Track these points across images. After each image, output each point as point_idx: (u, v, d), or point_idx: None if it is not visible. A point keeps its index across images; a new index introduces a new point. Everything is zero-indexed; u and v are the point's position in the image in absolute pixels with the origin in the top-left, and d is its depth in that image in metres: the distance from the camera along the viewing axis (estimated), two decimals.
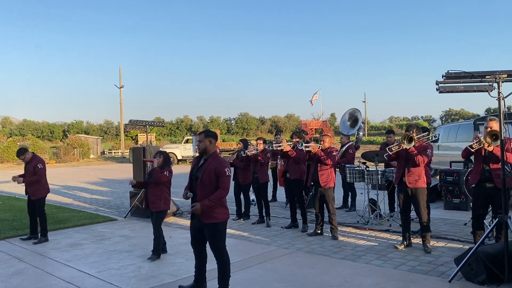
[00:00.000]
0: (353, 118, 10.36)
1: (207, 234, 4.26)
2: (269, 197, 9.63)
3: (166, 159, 6.17)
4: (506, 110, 4.53)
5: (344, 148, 9.18)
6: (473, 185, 5.50)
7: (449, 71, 4.45)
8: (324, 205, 6.96)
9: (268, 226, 7.81)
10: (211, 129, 5.16)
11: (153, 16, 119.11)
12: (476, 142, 5.22)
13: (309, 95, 55.24)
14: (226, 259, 4.27)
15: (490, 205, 5.53)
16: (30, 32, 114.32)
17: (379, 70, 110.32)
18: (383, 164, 8.26)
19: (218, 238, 4.24)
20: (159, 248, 5.91)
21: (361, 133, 10.40)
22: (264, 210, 8.08)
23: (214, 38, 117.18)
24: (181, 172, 21.50)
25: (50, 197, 11.88)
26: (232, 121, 77.11)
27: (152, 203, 5.97)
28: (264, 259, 5.75)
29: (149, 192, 6.03)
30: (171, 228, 7.95)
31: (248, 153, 7.96)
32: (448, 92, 4.54)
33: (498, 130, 4.83)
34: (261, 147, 8.04)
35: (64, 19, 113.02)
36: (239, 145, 8.73)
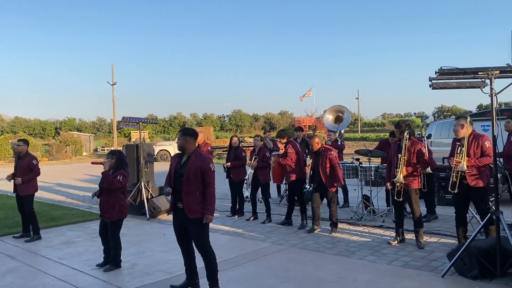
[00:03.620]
0: (337, 115, 10.41)
1: (191, 229, 4.28)
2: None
3: (120, 160, 5.39)
4: (498, 106, 4.56)
5: (338, 143, 9.27)
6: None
7: (442, 67, 4.47)
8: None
9: (264, 222, 7.81)
10: (190, 127, 5.14)
11: (145, 12, 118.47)
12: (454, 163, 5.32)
13: (303, 92, 55.18)
14: (211, 254, 4.31)
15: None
16: (21, 29, 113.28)
17: (372, 67, 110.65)
18: (379, 160, 8.31)
19: (202, 232, 4.27)
20: (118, 258, 5.35)
21: (342, 131, 10.49)
22: (265, 209, 8.06)
23: (207, 35, 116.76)
24: None
25: (42, 194, 11.86)
26: (226, 118, 76.99)
27: (104, 212, 5.30)
28: (259, 255, 5.76)
29: (101, 200, 5.35)
30: (165, 225, 7.93)
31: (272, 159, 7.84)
32: (441, 88, 4.55)
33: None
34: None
35: (56, 15, 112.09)
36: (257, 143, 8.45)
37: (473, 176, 5.19)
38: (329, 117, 10.54)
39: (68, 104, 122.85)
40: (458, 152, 5.23)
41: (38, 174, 7.03)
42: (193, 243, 4.44)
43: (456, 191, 5.24)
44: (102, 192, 5.35)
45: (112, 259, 5.34)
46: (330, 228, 6.90)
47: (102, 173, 5.30)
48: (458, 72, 4.46)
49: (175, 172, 4.40)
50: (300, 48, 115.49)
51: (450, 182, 5.31)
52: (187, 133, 4.41)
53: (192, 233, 4.30)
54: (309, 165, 7.51)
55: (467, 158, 5.15)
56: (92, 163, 5.44)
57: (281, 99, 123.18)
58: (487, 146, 5.14)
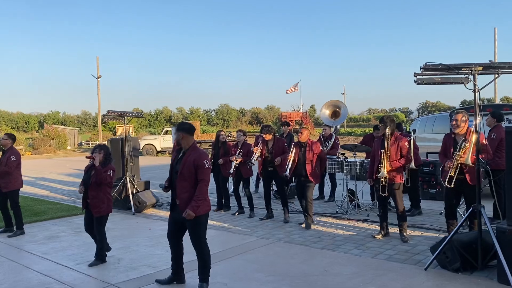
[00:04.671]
0: (334, 110, 10.41)
1: (188, 226, 4.24)
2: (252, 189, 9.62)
3: (107, 155, 5.43)
4: (481, 102, 4.63)
5: (333, 139, 9.30)
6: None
7: (427, 63, 4.52)
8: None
9: (250, 217, 7.83)
10: (187, 122, 5.09)
11: (131, 6, 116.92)
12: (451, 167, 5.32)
13: (289, 87, 55.24)
14: (206, 252, 4.28)
15: (462, 196, 5.69)
16: (2, 19, 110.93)
17: (358, 63, 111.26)
18: (364, 154, 8.38)
19: (200, 230, 4.23)
20: (103, 252, 5.34)
21: (338, 126, 10.50)
22: (248, 203, 8.07)
23: (192, 29, 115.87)
24: (160, 163, 21.36)
25: (26, 189, 11.68)
26: (213, 113, 76.78)
27: (94, 207, 5.27)
28: (245, 249, 5.78)
29: (90, 195, 5.30)
30: (151, 220, 7.90)
31: (253, 162, 7.69)
32: (426, 84, 4.61)
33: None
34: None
35: (40, 5, 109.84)
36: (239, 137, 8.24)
37: (472, 173, 5.27)
38: (326, 112, 10.50)
39: (52, 97, 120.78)
40: (462, 146, 5.23)
41: (8, 170, 6.72)
42: (183, 239, 4.44)
43: (452, 185, 5.28)
44: (91, 187, 5.29)
45: (97, 253, 5.32)
46: (304, 220, 6.95)
47: (95, 168, 5.28)
48: (443, 68, 4.51)
49: (172, 168, 4.38)
50: (286, 43, 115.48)
51: (448, 176, 5.27)
52: (181, 128, 4.33)
53: (189, 230, 4.26)
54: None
55: (473, 155, 5.16)
56: (87, 157, 5.44)
57: (268, 94, 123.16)
58: (485, 143, 5.25)
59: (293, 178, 7.24)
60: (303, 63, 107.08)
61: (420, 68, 4.58)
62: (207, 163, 4.19)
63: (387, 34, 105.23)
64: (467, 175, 5.26)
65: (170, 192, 4.45)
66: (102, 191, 5.30)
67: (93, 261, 5.27)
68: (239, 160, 7.91)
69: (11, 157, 6.82)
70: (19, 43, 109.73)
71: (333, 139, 9.35)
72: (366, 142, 8.46)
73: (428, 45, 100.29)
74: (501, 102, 36.79)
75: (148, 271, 4.98)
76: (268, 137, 7.49)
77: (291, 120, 48.32)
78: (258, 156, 7.53)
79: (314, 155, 6.86)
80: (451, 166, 5.22)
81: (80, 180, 5.55)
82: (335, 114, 10.44)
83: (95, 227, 5.34)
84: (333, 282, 4.48)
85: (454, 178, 5.25)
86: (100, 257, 5.30)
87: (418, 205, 7.70)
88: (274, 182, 8.07)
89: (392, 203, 6.89)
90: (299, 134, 7.11)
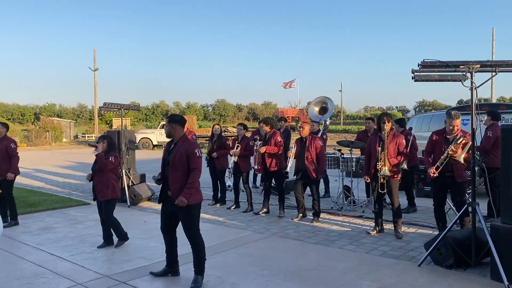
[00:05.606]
0: (322, 106, 10.44)
1: (181, 218, 4.26)
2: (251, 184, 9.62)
3: (111, 144, 5.76)
4: (477, 101, 4.64)
5: (319, 134, 9.28)
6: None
7: (425, 60, 4.52)
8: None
9: (246, 211, 7.82)
10: (178, 114, 5.10)
11: (129, 0, 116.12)
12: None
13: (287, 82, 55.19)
14: (200, 243, 4.29)
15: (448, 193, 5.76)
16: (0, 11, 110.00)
17: (355, 61, 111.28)
18: (359, 151, 8.39)
19: (192, 221, 4.24)
20: (122, 232, 5.66)
21: (328, 122, 10.51)
22: (247, 198, 8.06)
23: (192, 25, 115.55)
24: (156, 157, 21.30)
25: (21, 180, 11.63)
26: (209, 108, 76.70)
27: (99, 192, 5.58)
28: (239, 243, 5.79)
29: (94, 181, 5.63)
30: (146, 213, 7.90)
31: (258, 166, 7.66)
32: (423, 80, 4.61)
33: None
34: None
35: None
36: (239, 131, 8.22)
37: (461, 171, 5.34)
38: (315, 109, 10.54)
39: (48, 89, 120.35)
40: (459, 142, 5.25)
41: (17, 158, 6.88)
42: (176, 232, 4.45)
43: (436, 174, 5.33)
44: (95, 174, 5.60)
45: (117, 234, 5.66)
46: (312, 217, 6.96)
47: (96, 155, 5.60)
48: (440, 65, 4.51)
49: (163, 160, 4.38)
50: (285, 40, 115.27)
51: (435, 165, 5.34)
52: (173, 120, 4.35)
53: (182, 221, 4.27)
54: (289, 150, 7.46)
55: (466, 153, 5.20)
56: (89, 144, 5.98)
57: (265, 90, 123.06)
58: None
59: (296, 174, 7.21)
60: (301, 60, 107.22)
61: (418, 65, 4.57)
62: (198, 152, 4.23)
63: (386, 33, 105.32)
64: (457, 174, 5.30)
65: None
66: (105, 177, 5.56)
67: (117, 242, 5.64)
68: (238, 151, 7.90)
69: (11, 145, 6.81)
70: (15, 35, 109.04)
71: (319, 134, 9.31)
72: (360, 139, 8.47)
73: (426, 44, 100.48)
74: (497, 102, 36.87)
75: (143, 263, 4.98)
76: (266, 128, 7.49)
77: (287, 117, 48.33)
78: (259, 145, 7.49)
79: (314, 149, 6.86)
80: (433, 173, 5.33)
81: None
82: (323, 110, 10.49)
83: (104, 215, 5.59)
84: (327, 276, 4.49)
85: (440, 169, 5.29)
86: (122, 236, 5.66)
87: (413, 203, 7.74)
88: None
89: (388, 200, 6.92)
90: (301, 129, 7.10)
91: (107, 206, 5.58)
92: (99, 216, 5.74)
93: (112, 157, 5.60)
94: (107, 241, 5.67)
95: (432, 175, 5.35)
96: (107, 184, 5.56)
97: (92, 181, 5.69)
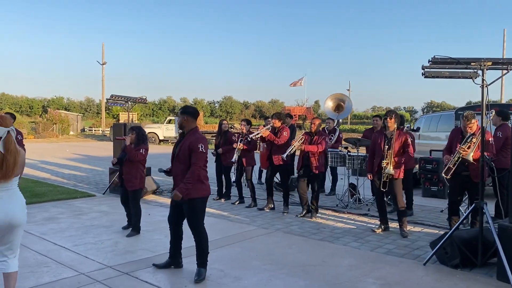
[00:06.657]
0: (338, 103, 10.33)
1: (185, 210, 4.24)
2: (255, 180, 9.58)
3: (140, 135, 5.94)
4: (488, 102, 4.56)
5: (337, 133, 9.24)
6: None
7: (435, 56, 4.46)
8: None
9: (250, 207, 7.79)
10: (191, 106, 5.09)
11: None
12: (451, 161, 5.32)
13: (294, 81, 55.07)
14: (204, 236, 4.27)
15: (466, 193, 5.68)
16: (9, 4, 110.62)
17: (364, 60, 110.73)
18: (365, 149, 8.32)
19: (196, 214, 4.22)
20: (138, 224, 5.85)
21: (340, 119, 10.44)
22: (250, 194, 8.03)
23: (199, 20, 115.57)
24: (163, 152, 21.35)
25: (27, 171, 11.68)
26: (216, 104, 76.75)
27: (127, 181, 5.84)
28: (243, 238, 5.76)
29: (124, 171, 5.89)
30: (151, 206, 7.89)
31: (253, 137, 7.66)
32: (433, 77, 4.55)
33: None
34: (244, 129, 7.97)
35: None
36: (242, 126, 8.20)
37: (477, 171, 5.25)
38: (330, 104, 10.40)
39: (56, 82, 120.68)
40: (468, 140, 5.18)
41: (24, 150, 6.87)
42: (182, 224, 4.44)
43: (448, 176, 5.25)
44: (125, 164, 5.87)
45: (133, 225, 5.84)
46: (310, 213, 6.93)
47: (126, 147, 5.88)
48: (451, 61, 4.44)
49: (172, 153, 4.37)
50: (293, 38, 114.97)
51: (446, 167, 5.28)
52: (186, 111, 4.32)
53: (186, 214, 4.26)
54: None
55: (474, 152, 5.13)
56: (117, 138, 6.38)
57: (272, 88, 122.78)
58: (490, 142, 5.24)
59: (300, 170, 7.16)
60: (309, 58, 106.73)
61: (429, 61, 4.51)
62: (201, 147, 4.14)
63: (395, 32, 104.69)
64: (471, 172, 5.23)
65: (172, 178, 4.44)
66: (135, 167, 5.83)
67: (130, 232, 5.78)
68: (240, 146, 7.86)
69: (18, 137, 6.81)
70: (24, 28, 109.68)
71: (337, 133, 9.28)
72: (366, 137, 8.40)
73: (436, 44, 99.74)
74: (507, 102, 36.51)
75: (146, 255, 4.97)
76: (277, 123, 7.41)
77: (294, 115, 48.30)
78: (259, 135, 7.41)
79: (319, 147, 6.81)
80: (451, 159, 5.21)
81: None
82: (338, 108, 10.37)
83: (131, 202, 5.86)
84: (331, 273, 4.46)
85: (452, 170, 5.23)
86: (136, 228, 5.82)
87: (410, 206, 7.58)
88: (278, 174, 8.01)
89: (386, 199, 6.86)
90: (312, 124, 7.04)
91: (134, 195, 5.85)
92: (121, 203, 6.11)
93: (142, 149, 5.86)
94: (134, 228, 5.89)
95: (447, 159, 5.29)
96: (136, 174, 5.83)
97: (119, 169, 6.07)
